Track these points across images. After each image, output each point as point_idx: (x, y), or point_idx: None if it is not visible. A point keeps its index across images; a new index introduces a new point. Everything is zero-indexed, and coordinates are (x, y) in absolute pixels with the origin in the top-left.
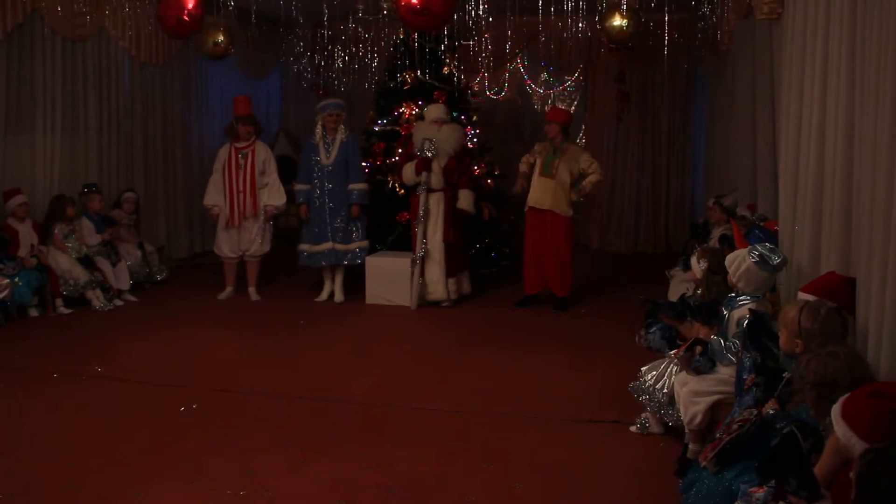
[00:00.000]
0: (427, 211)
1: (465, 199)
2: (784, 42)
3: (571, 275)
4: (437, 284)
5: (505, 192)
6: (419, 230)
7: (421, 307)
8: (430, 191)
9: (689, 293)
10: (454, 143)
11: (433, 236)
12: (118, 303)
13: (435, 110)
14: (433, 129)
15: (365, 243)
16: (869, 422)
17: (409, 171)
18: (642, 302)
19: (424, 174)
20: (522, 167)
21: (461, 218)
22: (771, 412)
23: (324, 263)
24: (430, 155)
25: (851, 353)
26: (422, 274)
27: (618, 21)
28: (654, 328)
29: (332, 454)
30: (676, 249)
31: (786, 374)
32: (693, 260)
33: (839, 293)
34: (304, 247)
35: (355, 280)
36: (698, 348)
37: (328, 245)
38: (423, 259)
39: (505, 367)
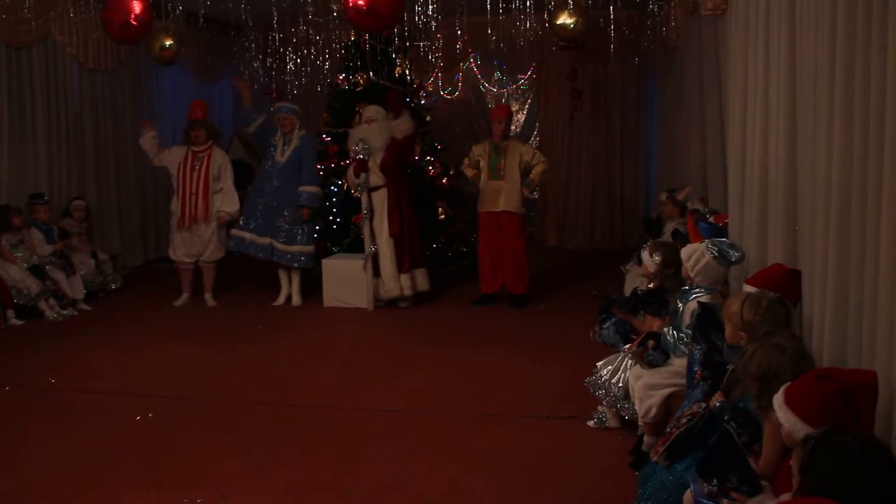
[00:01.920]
0: (371, 209)
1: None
2: (728, 37)
3: (528, 272)
4: (392, 281)
5: (460, 192)
6: (365, 229)
7: (379, 308)
8: (372, 189)
9: (643, 287)
10: (384, 138)
11: (381, 233)
12: (72, 312)
13: (367, 111)
14: (364, 129)
15: (309, 248)
16: (816, 405)
17: (349, 174)
18: (595, 296)
19: (363, 175)
20: (469, 172)
21: (411, 212)
22: (717, 404)
23: (261, 255)
24: (362, 157)
25: (798, 347)
26: (376, 274)
27: (566, 19)
28: (608, 323)
29: (289, 458)
30: (631, 245)
31: (730, 367)
32: (645, 254)
33: (783, 284)
34: (235, 232)
35: (313, 283)
36: (651, 342)
37: (266, 240)
38: (375, 258)
39: (463, 366)
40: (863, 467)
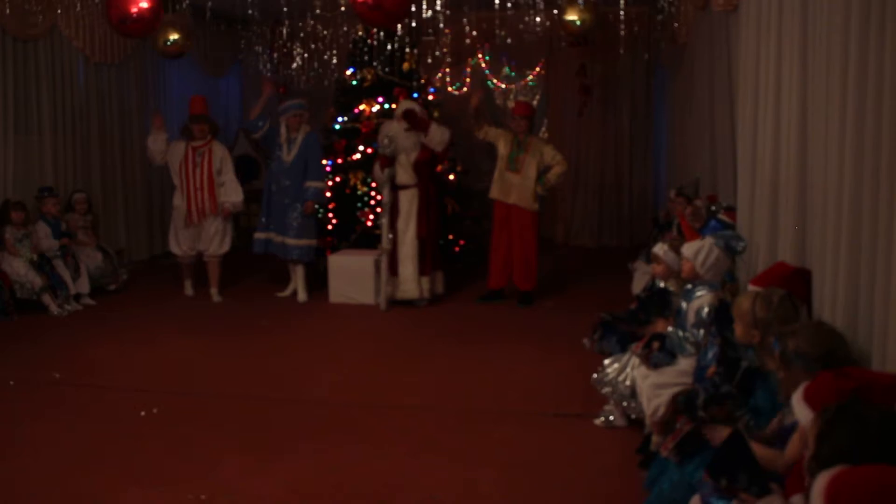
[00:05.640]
0: (393, 205)
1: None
2: (740, 33)
3: (536, 270)
4: (412, 282)
5: (468, 189)
6: (384, 226)
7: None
8: (401, 187)
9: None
10: (415, 138)
11: (405, 233)
12: (77, 307)
13: (398, 109)
14: (395, 127)
15: (313, 242)
16: (833, 401)
17: (375, 168)
18: (601, 318)
19: (387, 170)
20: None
21: (437, 215)
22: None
23: (278, 255)
24: (387, 153)
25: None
26: (392, 272)
27: (574, 16)
28: (613, 338)
29: (295, 455)
30: (639, 242)
31: (744, 363)
32: (671, 254)
33: (789, 282)
34: (258, 234)
35: (318, 278)
36: (656, 344)
37: (280, 238)
38: (393, 256)
39: (470, 363)
40: (879, 439)
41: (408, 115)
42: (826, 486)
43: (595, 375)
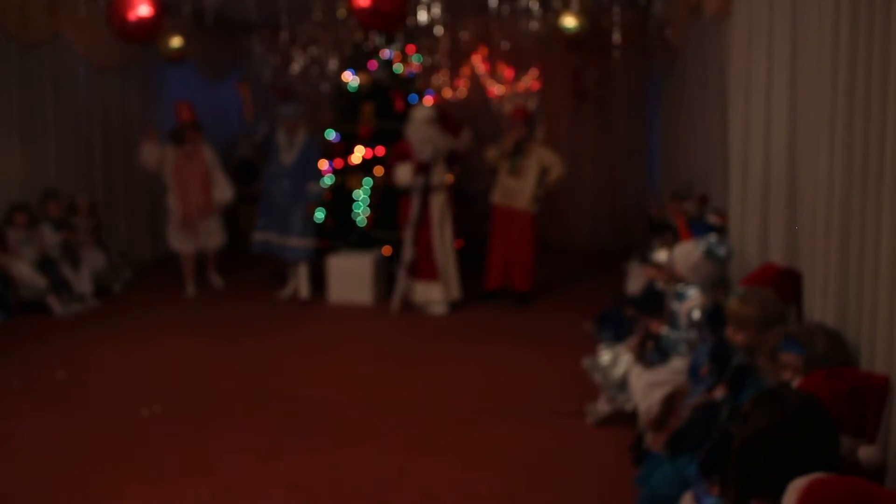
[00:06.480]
0: (424, 213)
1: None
2: (731, 39)
3: (534, 270)
4: (454, 287)
5: (465, 191)
6: (408, 233)
7: (384, 306)
8: (433, 190)
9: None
10: (449, 142)
11: (441, 239)
12: (80, 307)
13: (423, 112)
14: (431, 130)
15: (315, 241)
16: (826, 403)
17: (404, 172)
18: (614, 297)
19: (419, 177)
20: (491, 154)
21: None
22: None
23: (280, 256)
24: (428, 159)
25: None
26: (409, 277)
27: (570, 21)
28: (609, 327)
29: (294, 454)
30: (633, 244)
31: (735, 361)
32: (666, 259)
33: (775, 283)
34: (258, 236)
35: (317, 279)
36: (650, 343)
37: (282, 240)
38: (415, 262)
39: (469, 363)
40: (795, 421)
41: (444, 117)
42: (800, 495)
43: (589, 360)
